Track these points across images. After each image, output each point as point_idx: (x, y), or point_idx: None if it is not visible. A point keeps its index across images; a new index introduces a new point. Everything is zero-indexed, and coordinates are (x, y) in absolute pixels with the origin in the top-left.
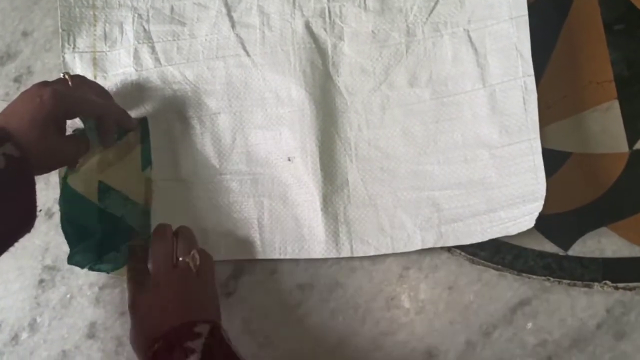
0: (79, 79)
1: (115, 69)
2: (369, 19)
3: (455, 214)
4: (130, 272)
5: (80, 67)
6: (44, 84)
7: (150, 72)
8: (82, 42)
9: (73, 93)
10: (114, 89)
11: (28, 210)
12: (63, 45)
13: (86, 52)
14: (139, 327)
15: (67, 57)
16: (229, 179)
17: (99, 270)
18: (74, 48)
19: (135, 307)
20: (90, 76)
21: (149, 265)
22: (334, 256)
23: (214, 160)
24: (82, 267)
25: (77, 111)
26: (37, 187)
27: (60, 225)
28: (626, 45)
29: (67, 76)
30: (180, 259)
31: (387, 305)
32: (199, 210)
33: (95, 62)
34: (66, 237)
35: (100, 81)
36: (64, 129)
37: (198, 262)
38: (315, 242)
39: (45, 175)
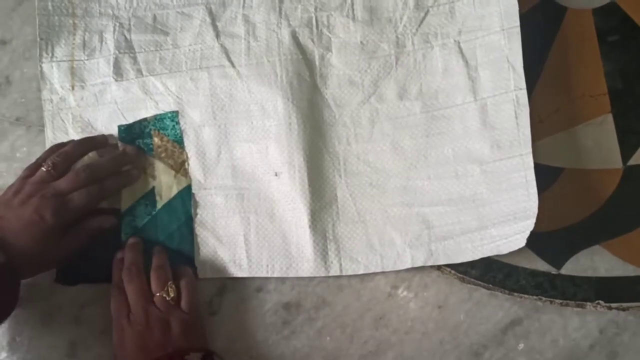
0: (87, 171)
1: (94, 79)
2: (358, 29)
3: (445, 232)
4: (113, 305)
5: (57, 76)
6: (43, 198)
7: (131, 82)
8: (60, 51)
9: (74, 204)
10: (93, 99)
11: (6, 307)
12: (41, 55)
13: (64, 60)
14: (128, 356)
15: (45, 66)
16: (213, 193)
17: None
18: (52, 57)
19: (119, 344)
20: (67, 86)
21: None
22: (323, 274)
23: (198, 174)
24: None
25: (78, 220)
26: None
27: None
28: (620, 57)
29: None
30: (157, 294)
31: (375, 324)
32: None
33: (73, 72)
34: None
35: (78, 91)
36: (63, 232)
37: (173, 294)
38: (304, 260)
39: None
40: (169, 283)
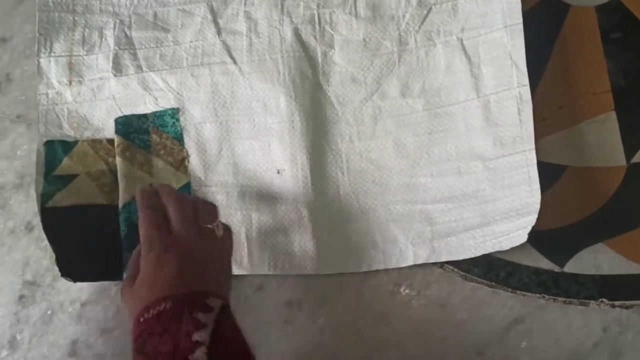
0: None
1: (92, 74)
2: (360, 26)
3: (448, 228)
4: (147, 211)
5: (55, 71)
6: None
7: (131, 78)
8: (58, 47)
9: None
10: (90, 95)
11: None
12: (39, 50)
13: (62, 56)
14: (146, 276)
15: (43, 61)
16: (214, 191)
17: None
18: (50, 52)
19: (150, 253)
20: (65, 81)
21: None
22: (326, 272)
23: (198, 171)
24: None
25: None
26: (17, 201)
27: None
28: (623, 55)
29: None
30: (208, 226)
31: (377, 322)
32: None
33: (71, 67)
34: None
35: (75, 86)
36: None
37: (222, 233)
38: (306, 258)
39: (25, 188)
40: (218, 220)
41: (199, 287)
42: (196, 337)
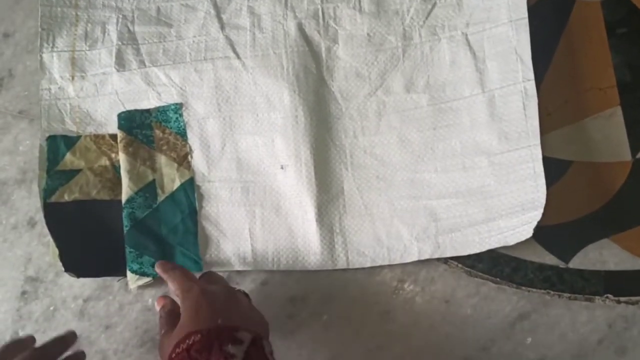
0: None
1: (95, 69)
2: (364, 21)
3: (453, 224)
4: (176, 270)
5: (57, 66)
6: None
7: (134, 73)
8: (61, 42)
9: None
10: (93, 90)
11: None
12: (42, 45)
13: (65, 51)
14: (185, 319)
15: (45, 56)
16: (218, 186)
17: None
18: (52, 47)
19: (188, 298)
20: (67, 76)
21: None
22: (330, 268)
23: (202, 167)
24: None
25: None
26: (19, 196)
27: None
28: (629, 50)
29: None
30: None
31: (381, 318)
32: None
33: (73, 62)
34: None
35: (78, 81)
36: None
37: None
38: (310, 253)
39: (28, 184)
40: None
41: (230, 322)
42: None
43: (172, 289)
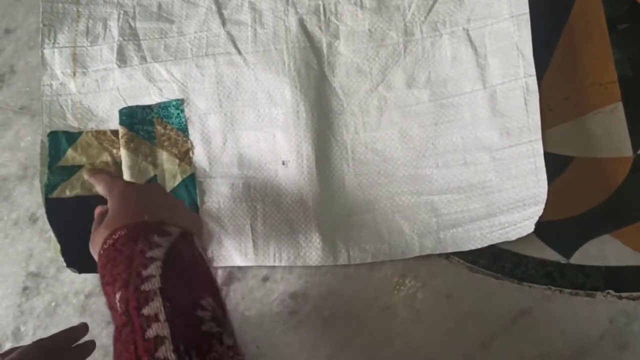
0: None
1: (97, 65)
2: (365, 17)
3: (454, 219)
4: (100, 173)
5: (59, 62)
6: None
7: (135, 69)
8: (62, 38)
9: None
10: (94, 86)
11: None
12: (43, 41)
13: (66, 47)
14: (111, 213)
15: (46, 52)
16: (219, 182)
17: None
18: (54, 43)
19: (114, 190)
20: (69, 72)
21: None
22: (331, 263)
23: (203, 163)
24: None
25: None
26: (21, 192)
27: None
28: (630, 45)
29: None
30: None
31: (383, 314)
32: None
33: (75, 58)
34: None
35: (79, 77)
36: None
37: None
38: (312, 249)
39: (29, 179)
40: None
41: (157, 218)
42: (150, 254)
43: (99, 191)
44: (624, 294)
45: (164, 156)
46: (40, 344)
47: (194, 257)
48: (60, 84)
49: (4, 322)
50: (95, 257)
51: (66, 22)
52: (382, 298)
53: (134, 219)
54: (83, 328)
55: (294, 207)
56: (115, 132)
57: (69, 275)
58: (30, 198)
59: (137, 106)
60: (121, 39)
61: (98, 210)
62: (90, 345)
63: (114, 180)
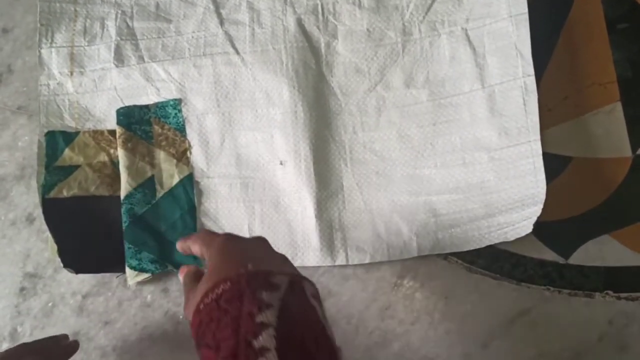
0: None
1: (94, 65)
2: (364, 16)
3: (452, 220)
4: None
5: (56, 62)
6: None
7: (132, 68)
8: (60, 37)
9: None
10: (92, 86)
11: None
12: (40, 40)
13: (63, 46)
14: (210, 268)
15: (44, 52)
16: (217, 182)
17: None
18: (51, 43)
19: (212, 247)
20: (66, 71)
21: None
22: (329, 264)
23: (201, 163)
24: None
25: None
26: (18, 192)
27: (43, 231)
28: (629, 45)
29: None
30: None
31: (381, 315)
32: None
33: (72, 57)
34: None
35: (76, 77)
36: None
37: None
38: (310, 250)
39: (26, 179)
40: None
41: (261, 267)
42: (260, 318)
43: (196, 252)
44: (622, 295)
45: (161, 156)
46: (25, 344)
47: (306, 312)
48: (58, 83)
49: (0, 322)
50: (189, 316)
51: (64, 21)
52: (380, 299)
53: (237, 270)
54: (64, 338)
55: (292, 207)
56: (112, 132)
57: (66, 275)
58: (28, 198)
59: (135, 106)
60: (119, 38)
61: (183, 270)
62: (75, 345)
63: (211, 236)
